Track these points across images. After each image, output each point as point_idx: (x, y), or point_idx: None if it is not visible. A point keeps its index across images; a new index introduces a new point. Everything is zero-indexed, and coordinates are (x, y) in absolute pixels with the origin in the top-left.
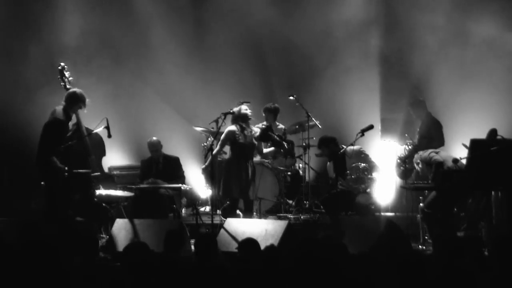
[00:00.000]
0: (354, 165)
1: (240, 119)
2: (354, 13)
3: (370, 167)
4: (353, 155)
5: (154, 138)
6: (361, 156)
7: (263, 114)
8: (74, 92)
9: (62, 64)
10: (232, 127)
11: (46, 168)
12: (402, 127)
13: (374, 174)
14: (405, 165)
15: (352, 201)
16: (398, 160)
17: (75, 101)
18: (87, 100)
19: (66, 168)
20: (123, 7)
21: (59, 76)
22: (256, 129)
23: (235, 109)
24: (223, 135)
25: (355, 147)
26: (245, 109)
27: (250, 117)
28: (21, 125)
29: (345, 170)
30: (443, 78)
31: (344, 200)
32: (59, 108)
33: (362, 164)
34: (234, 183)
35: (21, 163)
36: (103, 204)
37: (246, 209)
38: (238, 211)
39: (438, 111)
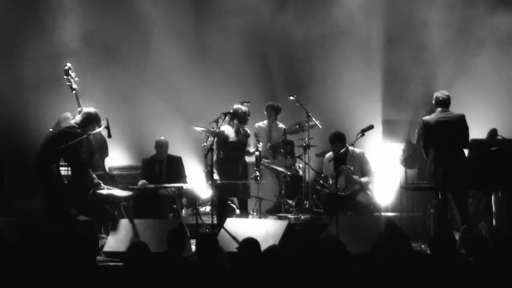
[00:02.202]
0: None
1: (238, 119)
2: (356, 13)
3: (363, 169)
4: (353, 157)
5: (163, 137)
6: (360, 159)
7: (265, 112)
8: (90, 114)
9: (69, 64)
10: (223, 128)
11: (44, 173)
12: (406, 128)
13: (363, 179)
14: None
15: (352, 200)
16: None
17: (90, 122)
18: (102, 121)
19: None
20: (123, 8)
21: (65, 76)
22: (247, 129)
23: (236, 107)
24: (215, 139)
25: (358, 151)
26: (245, 109)
27: (248, 118)
28: (21, 125)
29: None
30: (444, 79)
31: (343, 200)
32: (70, 118)
33: (347, 166)
34: (224, 183)
35: (21, 163)
36: (106, 206)
37: (241, 208)
38: (233, 206)
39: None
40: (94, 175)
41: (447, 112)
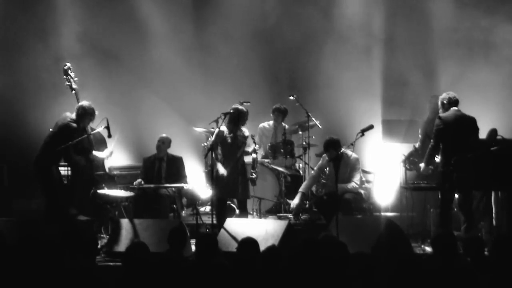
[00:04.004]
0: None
1: (237, 120)
2: (357, 13)
3: (350, 175)
4: (347, 161)
5: (164, 134)
6: (352, 165)
7: (271, 114)
8: (82, 107)
9: (68, 64)
10: (222, 128)
11: (43, 173)
12: (406, 128)
13: (344, 185)
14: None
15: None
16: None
17: (84, 115)
18: (96, 112)
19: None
20: (123, 8)
21: (64, 76)
22: (245, 129)
23: (235, 107)
24: (213, 137)
25: (353, 156)
26: (244, 110)
27: (246, 118)
28: (21, 125)
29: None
30: (444, 79)
31: (334, 201)
32: (69, 117)
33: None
34: (221, 184)
35: (21, 163)
36: (108, 205)
37: (240, 209)
38: (233, 206)
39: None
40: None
41: (461, 112)
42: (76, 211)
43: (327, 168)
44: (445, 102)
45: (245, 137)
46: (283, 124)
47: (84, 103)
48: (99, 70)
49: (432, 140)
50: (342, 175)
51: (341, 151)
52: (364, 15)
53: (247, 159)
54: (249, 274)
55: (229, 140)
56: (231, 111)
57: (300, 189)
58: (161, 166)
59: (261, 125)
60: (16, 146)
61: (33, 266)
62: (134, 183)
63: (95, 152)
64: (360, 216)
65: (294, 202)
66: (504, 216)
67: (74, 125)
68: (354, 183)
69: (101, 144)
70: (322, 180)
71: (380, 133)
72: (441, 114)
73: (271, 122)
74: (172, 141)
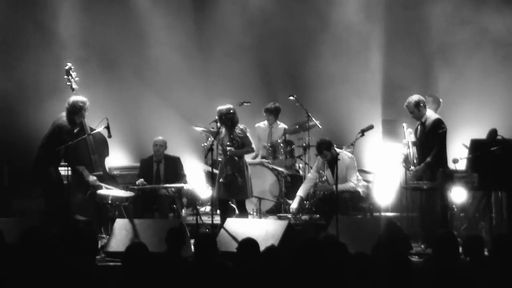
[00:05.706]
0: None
1: (230, 120)
2: (356, 12)
3: (347, 174)
4: (342, 162)
5: (161, 137)
6: (347, 164)
7: (264, 114)
8: (69, 103)
9: (69, 64)
10: (220, 128)
11: (42, 175)
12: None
13: (341, 186)
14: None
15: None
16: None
17: (73, 111)
18: (86, 104)
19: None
20: (122, 8)
21: (65, 76)
22: (243, 127)
23: (220, 109)
24: (211, 138)
25: (347, 156)
26: (229, 110)
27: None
28: (22, 125)
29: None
30: (444, 78)
31: (333, 201)
32: (64, 116)
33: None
34: (219, 184)
35: (21, 163)
36: (108, 205)
37: (238, 208)
38: (234, 206)
39: (438, 111)
40: (87, 173)
41: None
42: (75, 211)
43: (322, 170)
44: (422, 104)
45: (244, 135)
46: (278, 122)
47: (71, 98)
48: (98, 70)
49: (439, 143)
50: (339, 175)
51: (337, 152)
52: (364, 16)
53: (247, 158)
54: (249, 274)
55: (226, 140)
56: (216, 118)
57: (298, 193)
58: (159, 168)
59: (256, 125)
60: (16, 146)
61: (33, 266)
62: (137, 182)
63: (92, 177)
64: (360, 216)
65: (293, 206)
66: (504, 216)
67: (68, 125)
68: (351, 183)
69: (103, 145)
70: (319, 183)
71: (380, 133)
72: (438, 116)
73: (266, 122)
74: (171, 141)
